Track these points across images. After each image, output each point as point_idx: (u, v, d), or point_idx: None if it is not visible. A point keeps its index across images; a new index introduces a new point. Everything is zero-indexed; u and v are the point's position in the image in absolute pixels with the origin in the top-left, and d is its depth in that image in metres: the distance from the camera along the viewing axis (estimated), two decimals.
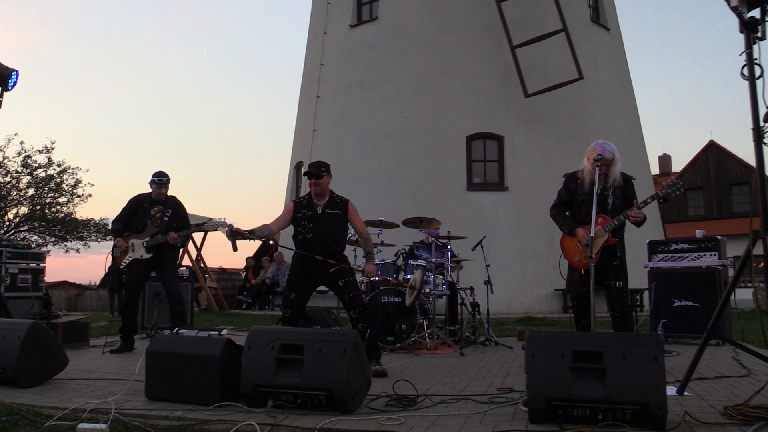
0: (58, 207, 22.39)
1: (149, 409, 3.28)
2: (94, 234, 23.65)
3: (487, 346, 6.54)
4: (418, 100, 12.26)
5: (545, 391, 2.88)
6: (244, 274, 14.56)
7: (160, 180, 5.84)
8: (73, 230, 22.96)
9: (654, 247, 6.91)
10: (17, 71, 4.59)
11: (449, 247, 6.77)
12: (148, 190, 6.02)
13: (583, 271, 4.48)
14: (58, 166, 21.96)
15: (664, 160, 31.75)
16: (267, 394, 3.27)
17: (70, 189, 22.41)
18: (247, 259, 14.70)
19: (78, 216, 22.99)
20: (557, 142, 12.05)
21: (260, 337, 3.36)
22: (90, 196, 29.36)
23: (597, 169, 4.30)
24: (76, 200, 22.64)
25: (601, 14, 13.76)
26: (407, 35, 12.52)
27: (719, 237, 6.58)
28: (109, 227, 5.96)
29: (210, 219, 5.80)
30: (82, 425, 3.02)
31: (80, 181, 22.49)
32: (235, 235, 4.53)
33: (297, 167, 14.43)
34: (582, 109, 12.43)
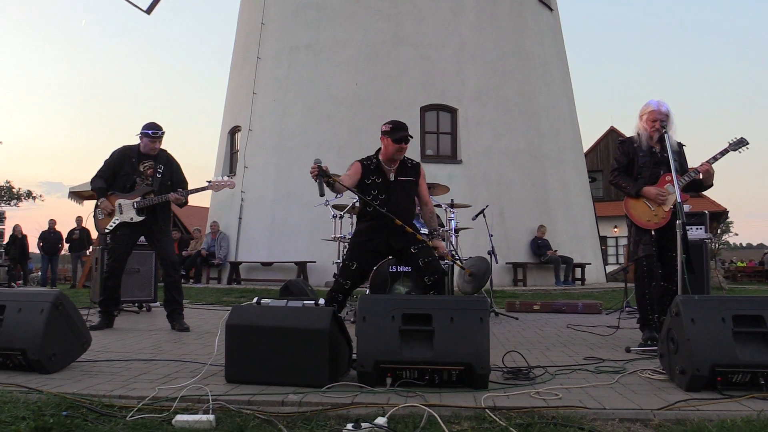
0: None
1: (250, 393, 2.73)
2: None
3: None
4: (371, 67, 11.84)
5: (710, 356, 2.73)
6: None
7: (155, 133, 5.00)
8: None
9: None
10: None
11: (453, 215, 6.52)
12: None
13: (653, 231, 4.37)
14: None
15: None
16: (387, 371, 2.85)
17: None
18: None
19: None
20: (507, 118, 12.17)
21: (376, 306, 2.91)
22: None
23: (665, 133, 4.20)
24: None
25: None
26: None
27: (705, 212, 6.86)
28: (91, 185, 5.05)
29: (213, 179, 5.16)
30: (180, 417, 2.44)
31: None
32: (323, 173, 3.71)
33: (232, 132, 13.47)
34: (529, 87, 12.61)
